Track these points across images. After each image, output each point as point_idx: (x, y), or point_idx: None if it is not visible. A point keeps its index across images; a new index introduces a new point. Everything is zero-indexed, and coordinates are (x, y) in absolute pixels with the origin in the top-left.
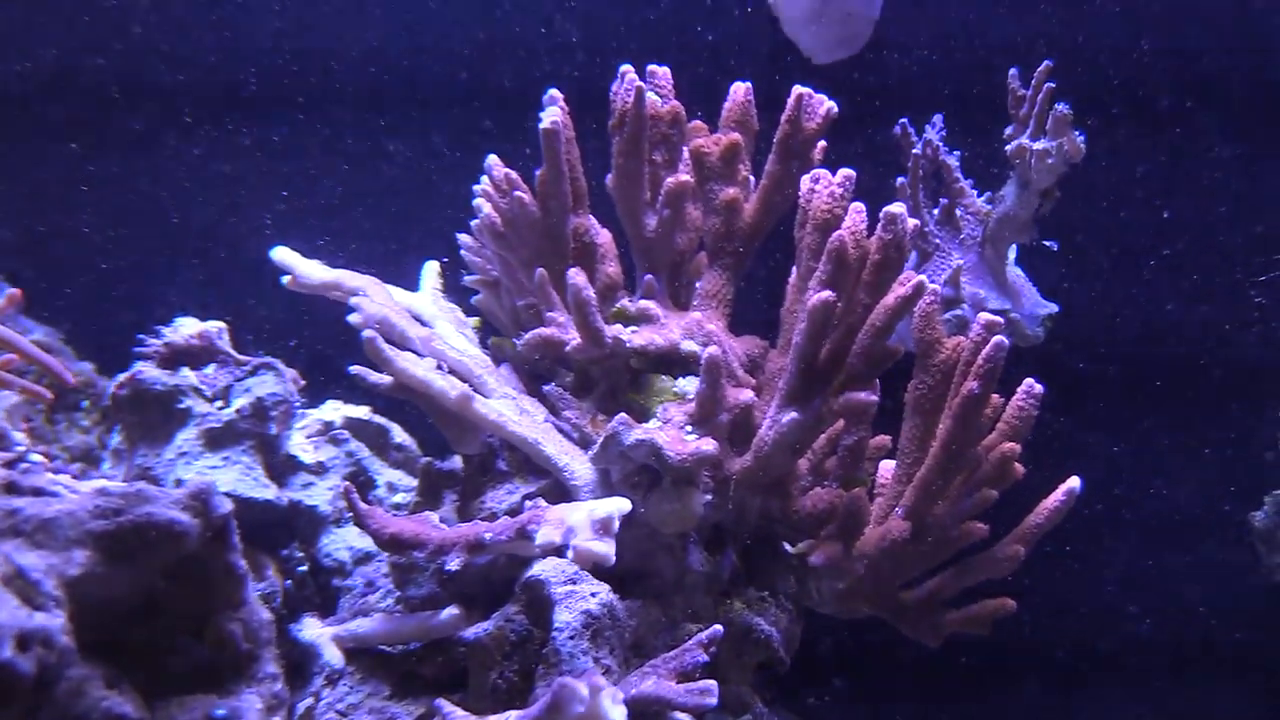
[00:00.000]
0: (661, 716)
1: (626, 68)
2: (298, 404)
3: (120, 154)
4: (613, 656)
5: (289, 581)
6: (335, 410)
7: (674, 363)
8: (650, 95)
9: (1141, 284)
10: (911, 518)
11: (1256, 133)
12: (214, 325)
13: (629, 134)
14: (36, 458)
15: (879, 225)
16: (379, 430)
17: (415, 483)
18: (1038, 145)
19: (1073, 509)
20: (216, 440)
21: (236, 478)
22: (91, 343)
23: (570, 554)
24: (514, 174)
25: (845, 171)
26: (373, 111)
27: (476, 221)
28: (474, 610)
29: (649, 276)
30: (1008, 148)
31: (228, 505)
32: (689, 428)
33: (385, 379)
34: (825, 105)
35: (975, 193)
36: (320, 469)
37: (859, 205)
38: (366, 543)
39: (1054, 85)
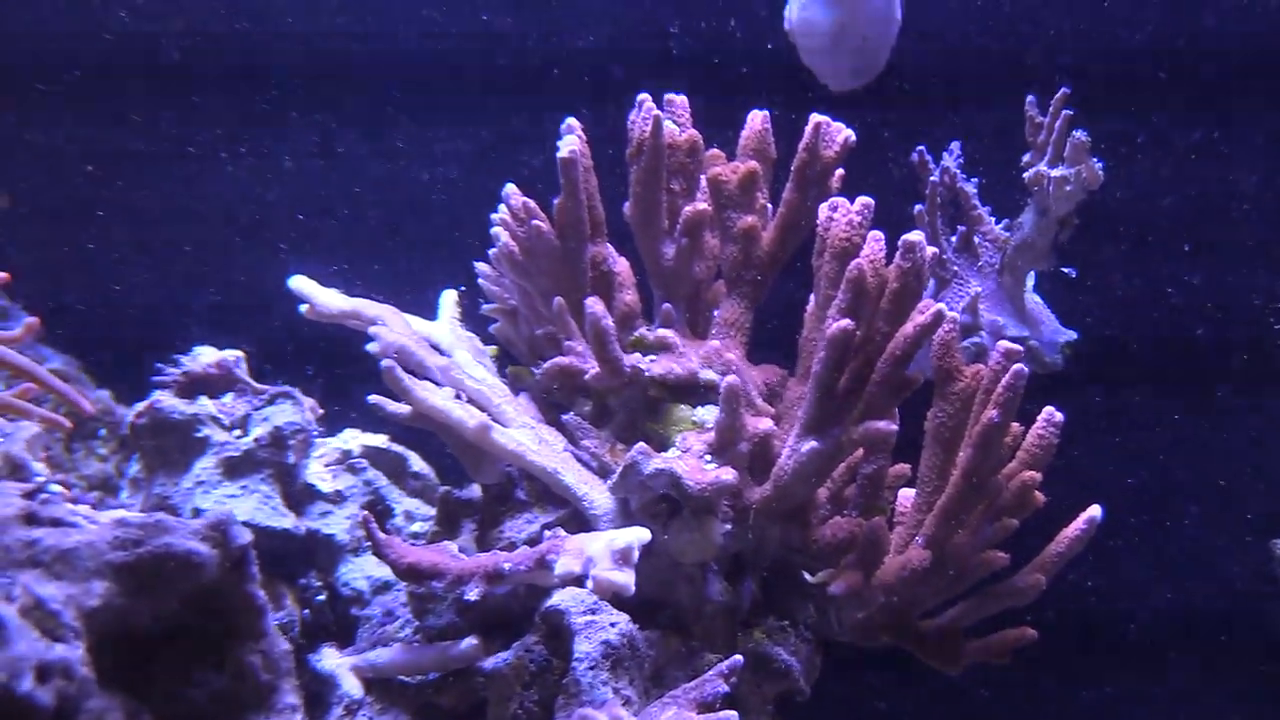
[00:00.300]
0: None
1: (644, 96)
2: (315, 433)
3: (137, 177)
4: (632, 687)
5: (307, 611)
6: (353, 439)
7: (693, 391)
8: (668, 124)
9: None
10: (931, 547)
11: None
12: (232, 354)
13: (647, 163)
14: (56, 488)
15: (898, 253)
16: (396, 459)
17: (433, 512)
18: (1056, 172)
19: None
20: (234, 469)
21: (254, 506)
22: (107, 371)
23: (590, 584)
24: (532, 203)
25: (864, 199)
26: (392, 136)
27: (494, 250)
28: (493, 640)
29: (667, 305)
30: (1025, 175)
31: (247, 535)
32: (708, 457)
33: (404, 408)
34: (843, 133)
35: (993, 220)
36: (338, 498)
37: (877, 233)
38: (384, 572)
39: (1072, 112)
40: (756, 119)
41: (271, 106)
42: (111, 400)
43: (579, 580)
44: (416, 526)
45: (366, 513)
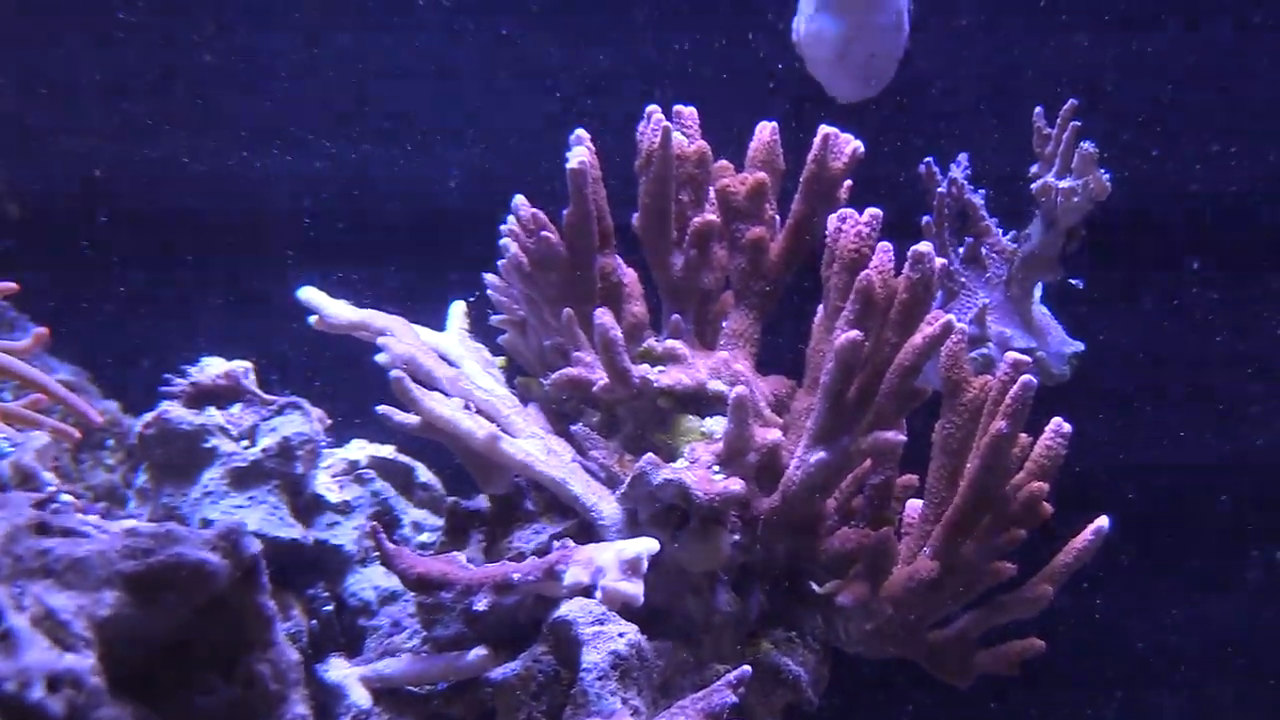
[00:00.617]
0: None
1: (653, 108)
2: (323, 443)
3: (145, 186)
4: (640, 697)
5: (314, 621)
6: (360, 449)
7: (701, 402)
8: (677, 135)
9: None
10: (939, 557)
11: None
12: (240, 365)
13: (655, 174)
14: (67, 498)
15: (906, 264)
16: (404, 469)
17: (441, 522)
18: (1063, 184)
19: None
20: (242, 480)
21: (262, 517)
22: (114, 381)
23: (599, 594)
24: (541, 214)
25: (872, 210)
26: (398, 149)
27: (503, 261)
28: (501, 650)
29: (676, 316)
30: (1033, 186)
31: (257, 545)
32: (717, 467)
33: (412, 419)
34: (851, 145)
35: (1001, 231)
36: (346, 508)
37: (886, 244)
38: (392, 582)
39: (1079, 124)
40: (765, 130)
41: (282, 115)
42: (119, 411)
43: (588, 591)
44: (424, 537)
45: (375, 523)
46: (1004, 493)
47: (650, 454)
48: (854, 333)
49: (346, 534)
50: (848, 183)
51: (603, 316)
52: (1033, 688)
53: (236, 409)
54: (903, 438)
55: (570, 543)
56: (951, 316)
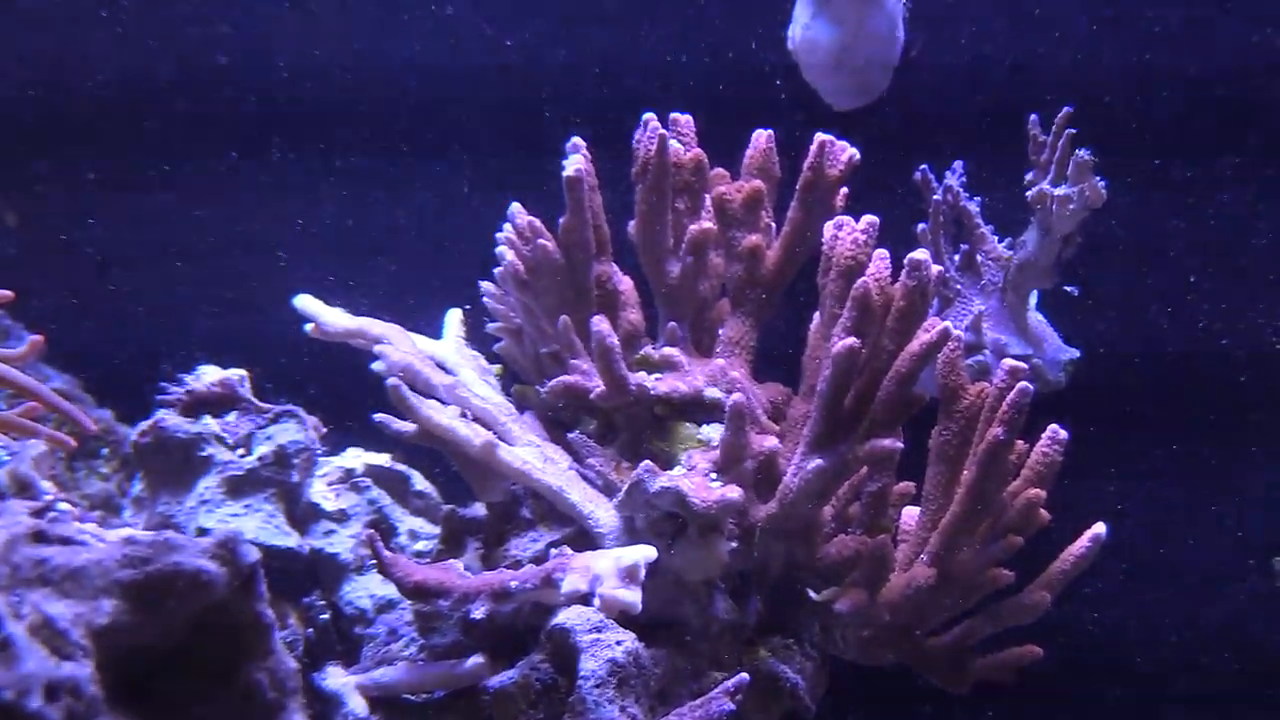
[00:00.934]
0: None
1: (649, 115)
2: (319, 451)
3: (139, 195)
4: (638, 705)
5: (311, 630)
6: (356, 458)
7: (698, 409)
8: (673, 143)
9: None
10: (937, 564)
11: None
12: (235, 373)
13: (652, 181)
14: (64, 506)
15: (903, 272)
16: (400, 477)
17: (437, 530)
18: (1059, 191)
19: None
20: (238, 488)
21: (258, 525)
22: (107, 389)
23: (597, 602)
24: (537, 222)
25: (869, 218)
26: (395, 156)
27: (499, 269)
28: (499, 658)
29: (672, 323)
30: (1029, 193)
31: (255, 554)
32: (714, 475)
33: (409, 427)
34: (847, 152)
35: (996, 239)
36: (342, 516)
37: (883, 252)
38: (388, 590)
39: (1075, 131)
40: (761, 138)
41: (274, 129)
42: (114, 420)
43: (586, 598)
44: (420, 545)
45: (372, 531)
46: (1001, 499)
47: (647, 461)
48: (851, 340)
49: (343, 542)
50: (844, 190)
51: (599, 324)
52: (1030, 694)
53: (232, 417)
54: (899, 445)
55: (568, 550)
56: (948, 324)
